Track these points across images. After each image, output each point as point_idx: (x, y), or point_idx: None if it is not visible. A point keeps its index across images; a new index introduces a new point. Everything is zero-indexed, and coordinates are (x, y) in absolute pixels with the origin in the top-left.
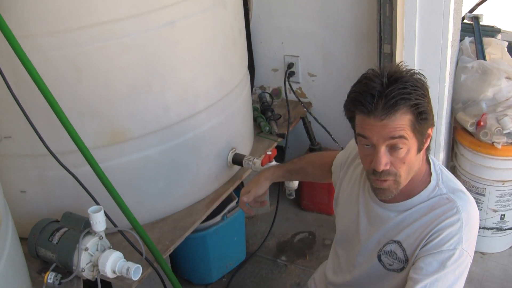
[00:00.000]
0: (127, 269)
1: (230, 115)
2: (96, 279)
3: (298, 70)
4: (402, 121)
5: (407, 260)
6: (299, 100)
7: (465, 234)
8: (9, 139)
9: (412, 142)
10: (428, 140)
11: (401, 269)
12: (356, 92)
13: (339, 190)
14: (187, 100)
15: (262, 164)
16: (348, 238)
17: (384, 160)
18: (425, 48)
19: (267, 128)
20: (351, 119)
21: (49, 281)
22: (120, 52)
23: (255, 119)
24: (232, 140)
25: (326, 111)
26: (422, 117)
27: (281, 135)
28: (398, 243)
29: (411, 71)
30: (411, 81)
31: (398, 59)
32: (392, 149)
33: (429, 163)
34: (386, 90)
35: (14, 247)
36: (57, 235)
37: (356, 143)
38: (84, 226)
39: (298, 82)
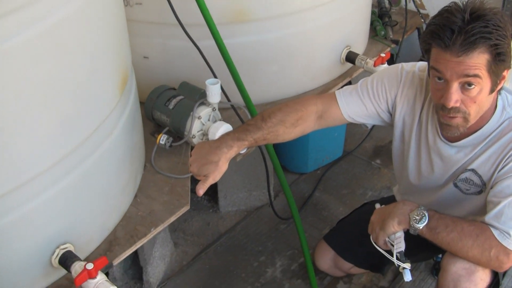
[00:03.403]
0: None
1: (350, 12)
2: None
3: None
4: (479, 60)
5: (484, 184)
6: (418, 10)
7: None
8: (139, 5)
9: (485, 82)
10: (502, 82)
11: (479, 192)
12: (435, 24)
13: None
14: None
15: (375, 65)
16: (420, 175)
17: (454, 97)
18: None
19: (383, 32)
20: (427, 51)
21: (161, 142)
22: None
23: (371, 23)
24: (348, 38)
25: None
26: (500, 58)
27: (395, 42)
28: (473, 170)
29: (495, 9)
30: (494, 20)
31: None
32: (464, 87)
33: None
34: (466, 27)
35: (135, 104)
36: (173, 101)
37: (429, 75)
38: (199, 96)
39: None
